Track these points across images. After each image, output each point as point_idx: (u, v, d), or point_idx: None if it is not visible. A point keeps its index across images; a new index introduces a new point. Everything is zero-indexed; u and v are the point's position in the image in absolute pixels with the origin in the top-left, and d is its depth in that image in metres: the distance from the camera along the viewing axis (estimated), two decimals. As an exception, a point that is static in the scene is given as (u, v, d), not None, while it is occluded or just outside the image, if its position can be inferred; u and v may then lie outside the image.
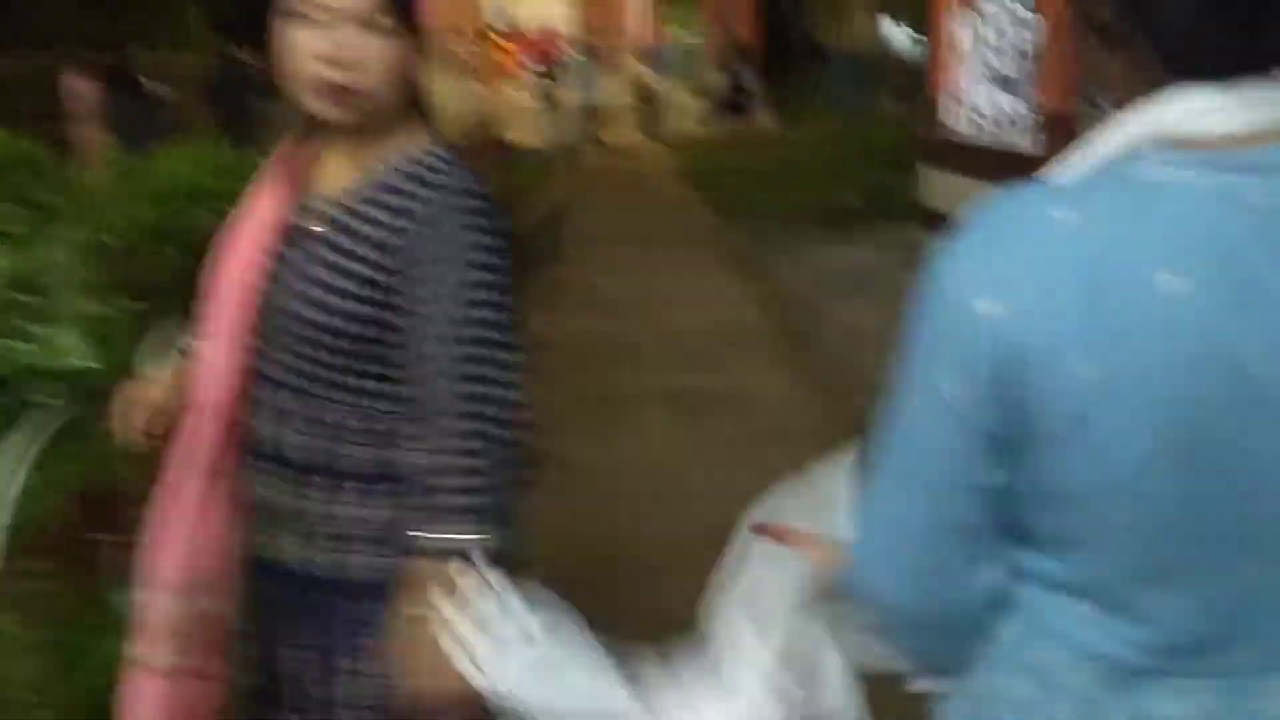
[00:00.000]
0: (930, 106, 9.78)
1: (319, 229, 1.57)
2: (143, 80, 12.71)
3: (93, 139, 11.39)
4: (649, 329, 6.64)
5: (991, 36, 8.55)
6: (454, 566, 1.39)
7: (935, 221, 9.07)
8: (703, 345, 6.46)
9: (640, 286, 7.72)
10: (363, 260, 1.53)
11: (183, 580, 1.59)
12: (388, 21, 1.51)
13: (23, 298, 3.60)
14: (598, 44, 21.83)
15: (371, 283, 1.52)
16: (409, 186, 1.54)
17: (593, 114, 20.82)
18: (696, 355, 6.24)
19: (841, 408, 5.23)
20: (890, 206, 10.46)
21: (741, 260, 9.00)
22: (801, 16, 34.38)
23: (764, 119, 23.09)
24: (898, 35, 25.21)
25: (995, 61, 8.46)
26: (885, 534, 0.99)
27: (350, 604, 1.57)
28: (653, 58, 22.74)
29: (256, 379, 1.59)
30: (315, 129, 1.60)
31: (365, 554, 1.56)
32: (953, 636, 1.00)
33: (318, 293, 1.54)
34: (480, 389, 1.48)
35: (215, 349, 1.60)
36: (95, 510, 2.59)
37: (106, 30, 15.73)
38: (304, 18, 1.50)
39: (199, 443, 1.60)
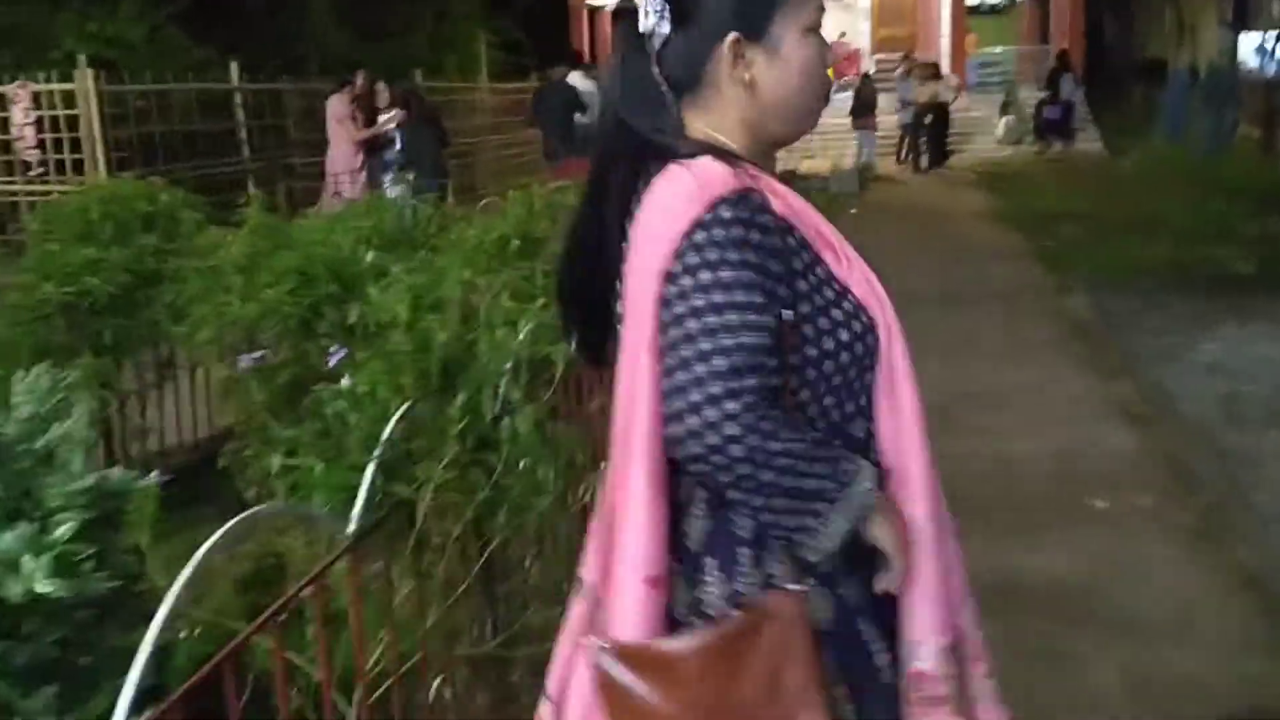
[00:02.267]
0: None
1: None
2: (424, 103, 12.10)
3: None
4: (971, 456, 4.67)
5: None
6: None
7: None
8: (1053, 492, 4.49)
9: (960, 380, 5.73)
10: None
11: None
12: None
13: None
14: (909, 58, 19.80)
15: None
16: None
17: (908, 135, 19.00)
18: (1043, 510, 4.30)
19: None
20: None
21: (1095, 344, 6.86)
22: (1132, 30, 30.91)
23: (1088, 143, 20.51)
24: (1253, 54, 21.84)
25: None
26: None
27: None
28: (960, 72, 20.46)
29: None
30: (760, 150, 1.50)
31: None
32: None
33: None
34: None
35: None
36: None
37: (391, 60, 15.47)
38: (816, 31, 1.49)
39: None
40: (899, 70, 19.45)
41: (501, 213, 3.74)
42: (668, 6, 1.42)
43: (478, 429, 2.20)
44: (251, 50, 13.63)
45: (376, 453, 1.96)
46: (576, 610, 1.51)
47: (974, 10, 25.24)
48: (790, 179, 15.97)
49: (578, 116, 11.57)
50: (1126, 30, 31.21)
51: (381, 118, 10.80)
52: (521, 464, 2.21)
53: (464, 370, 2.28)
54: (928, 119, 18.92)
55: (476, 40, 20.93)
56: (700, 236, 1.30)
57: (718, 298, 1.29)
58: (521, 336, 2.29)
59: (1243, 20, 23.45)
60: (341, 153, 10.83)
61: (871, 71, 23.22)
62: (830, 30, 16.23)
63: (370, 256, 3.22)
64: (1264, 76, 19.26)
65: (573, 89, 11.81)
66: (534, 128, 12.50)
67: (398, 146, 10.73)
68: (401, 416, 2.14)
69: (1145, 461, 4.77)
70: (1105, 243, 9.60)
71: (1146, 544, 3.99)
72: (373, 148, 10.81)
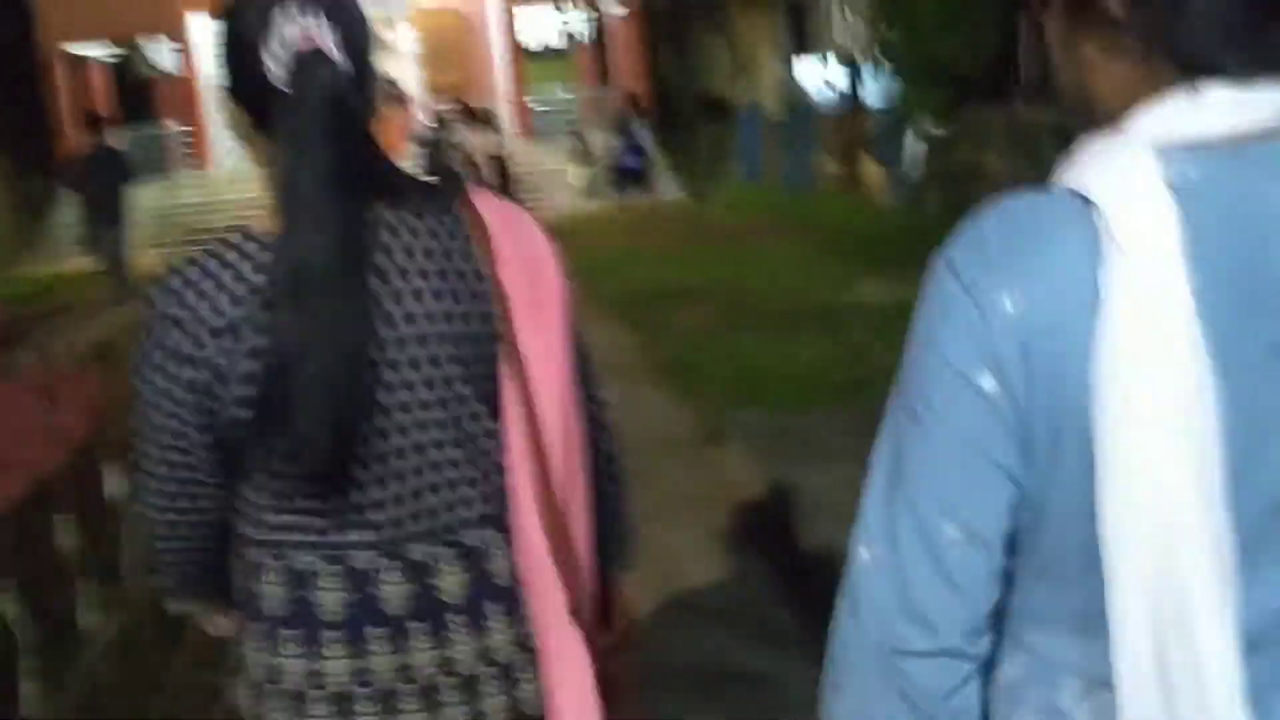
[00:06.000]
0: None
1: None
2: None
3: None
4: None
5: None
6: None
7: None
8: None
9: None
10: None
11: None
12: None
13: None
14: (464, 106, 17.12)
15: None
16: None
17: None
18: None
19: None
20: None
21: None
22: (693, 68, 30.12)
23: (668, 190, 18.71)
24: (815, 84, 21.02)
25: None
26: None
27: None
28: (525, 120, 18.10)
29: None
30: None
31: None
32: None
33: None
34: None
35: None
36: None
37: None
38: None
39: None
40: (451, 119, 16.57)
41: None
42: None
43: None
44: None
45: None
46: None
47: (530, 54, 23.10)
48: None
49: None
50: (686, 68, 30.40)
51: None
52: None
53: None
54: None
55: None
56: None
57: None
58: None
59: (800, 50, 22.75)
60: None
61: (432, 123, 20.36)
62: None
63: None
64: (835, 109, 18.16)
65: (123, 157, 11.23)
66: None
67: None
68: None
69: None
70: (751, 341, 6.94)
71: None
72: None
